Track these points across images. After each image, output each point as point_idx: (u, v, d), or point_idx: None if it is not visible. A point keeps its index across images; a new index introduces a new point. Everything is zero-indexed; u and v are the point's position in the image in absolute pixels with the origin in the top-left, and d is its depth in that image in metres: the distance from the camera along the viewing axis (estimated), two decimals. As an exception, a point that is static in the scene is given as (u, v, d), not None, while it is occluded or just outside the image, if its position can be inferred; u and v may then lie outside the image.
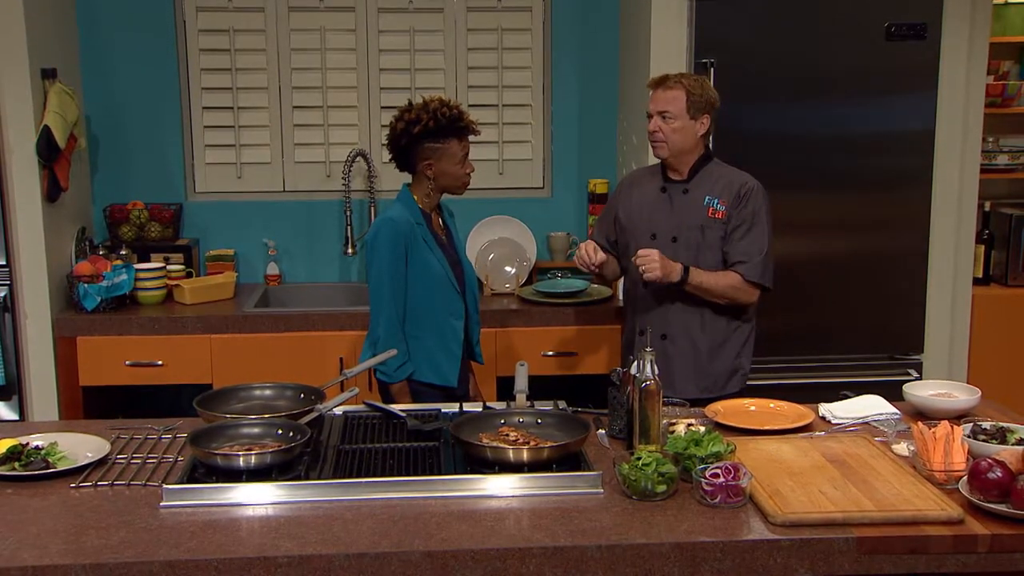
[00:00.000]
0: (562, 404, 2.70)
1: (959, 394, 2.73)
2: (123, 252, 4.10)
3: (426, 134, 2.99)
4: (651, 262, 2.96)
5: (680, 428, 2.42)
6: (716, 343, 3.13)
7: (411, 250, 3.02)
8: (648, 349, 2.37)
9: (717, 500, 2.11)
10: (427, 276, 3.04)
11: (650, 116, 3.11)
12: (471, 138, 3.10)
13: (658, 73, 3.74)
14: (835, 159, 3.87)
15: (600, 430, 2.56)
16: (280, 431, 2.39)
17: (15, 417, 3.83)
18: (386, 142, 3.12)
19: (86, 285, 3.83)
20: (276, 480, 2.19)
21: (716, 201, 3.09)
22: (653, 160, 3.74)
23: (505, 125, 4.49)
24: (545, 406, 2.67)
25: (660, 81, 3.12)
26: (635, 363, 2.40)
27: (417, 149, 3.03)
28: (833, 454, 2.36)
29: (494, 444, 2.32)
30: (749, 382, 3.27)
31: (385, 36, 4.39)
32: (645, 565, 1.97)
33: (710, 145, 3.20)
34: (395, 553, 1.94)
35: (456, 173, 3.06)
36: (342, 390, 2.76)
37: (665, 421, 2.43)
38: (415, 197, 3.09)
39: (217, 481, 2.19)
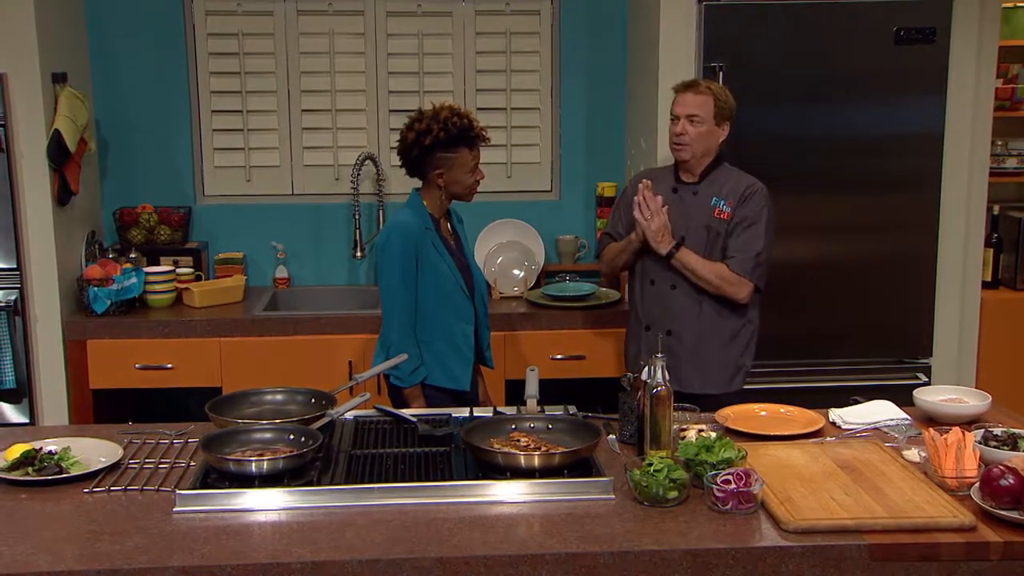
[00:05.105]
0: (572, 409, 2.70)
1: (970, 399, 2.73)
2: (132, 255, 4.11)
3: (437, 144, 3.00)
4: (656, 216, 3.05)
5: (691, 434, 2.42)
6: (722, 340, 3.20)
7: (421, 255, 3.03)
8: (659, 355, 2.37)
9: (729, 506, 2.12)
10: (437, 281, 3.05)
11: (676, 118, 3.15)
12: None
13: (667, 76, 3.77)
14: (844, 162, 3.87)
15: (610, 435, 2.56)
16: (292, 436, 2.40)
17: (25, 420, 3.84)
18: (396, 149, 3.12)
19: (96, 288, 3.84)
20: (288, 486, 2.20)
21: (723, 202, 3.16)
22: (662, 162, 3.76)
23: (513, 128, 4.50)
24: (555, 411, 2.67)
25: (690, 85, 3.17)
26: (646, 368, 2.40)
27: (428, 159, 3.03)
28: (844, 460, 2.36)
29: (505, 450, 2.32)
30: (758, 385, 3.32)
31: (393, 40, 4.40)
32: (657, 572, 1.97)
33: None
34: (408, 559, 1.94)
35: (466, 181, 3.07)
36: (351, 394, 2.76)
37: (676, 427, 2.43)
38: (425, 202, 3.10)
39: (230, 486, 2.20)
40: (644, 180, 3.16)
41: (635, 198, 3.12)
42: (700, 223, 3.17)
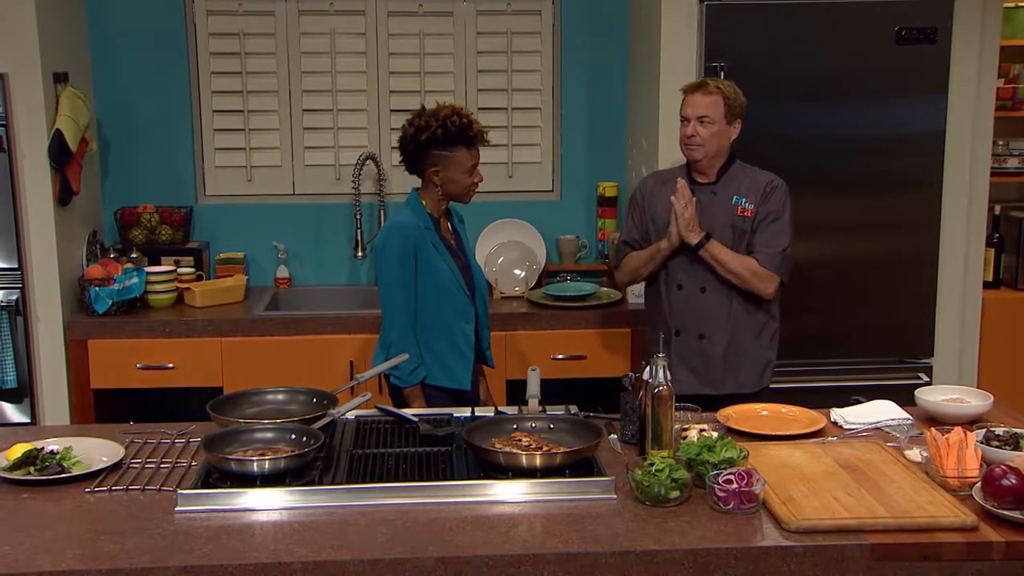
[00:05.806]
0: (574, 409, 2.70)
1: (972, 399, 2.72)
2: (134, 255, 4.11)
3: (434, 141, 2.99)
4: (688, 205, 3.04)
5: (692, 434, 2.42)
6: (751, 338, 3.21)
7: (420, 255, 3.03)
8: (660, 355, 2.37)
9: (730, 506, 2.12)
10: (437, 281, 3.05)
11: (686, 120, 3.14)
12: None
13: (668, 76, 3.77)
14: (846, 162, 3.87)
15: (612, 435, 2.56)
16: (293, 436, 2.40)
17: (27, 420, 3.84)
18: (397, 145, 3.13)
19: (97, 288, 3.84)
20: (290, 485, 2.20)
21: (744, 200, 3.17)
22: (663, 163, 3.76)
23: (514, 128, 4.49)
24: (557, 410, 2.67)
25: (699, 86, 3.16)
26: (648, 368, 2.40)
27: (425, 155, 3.03)
28: (846, 460, 2.36)
29: (507, 449, 2.32)
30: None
31: (395, 39, 4.40)
32: (658, 571, 1.97)
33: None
34: (409, 559, 1.94)
35: (463, 182, 3.05)
36: (352, 394, 2.76)
37: (677, 426, 2.43)
38: (424, 202, 3.10)
39: (231, 486, 2.20)
40: (680, 179, 3.14)
41: (672, 196, 3.09)
42: (724, 223, 3.16)
